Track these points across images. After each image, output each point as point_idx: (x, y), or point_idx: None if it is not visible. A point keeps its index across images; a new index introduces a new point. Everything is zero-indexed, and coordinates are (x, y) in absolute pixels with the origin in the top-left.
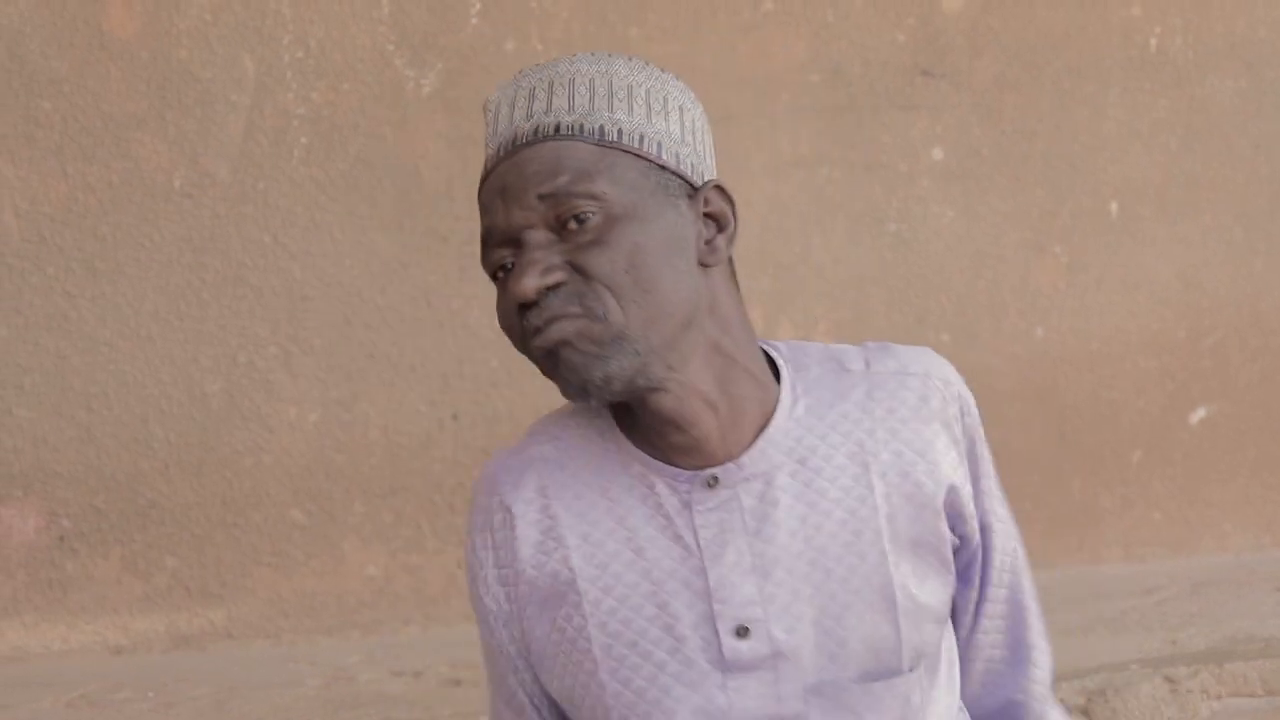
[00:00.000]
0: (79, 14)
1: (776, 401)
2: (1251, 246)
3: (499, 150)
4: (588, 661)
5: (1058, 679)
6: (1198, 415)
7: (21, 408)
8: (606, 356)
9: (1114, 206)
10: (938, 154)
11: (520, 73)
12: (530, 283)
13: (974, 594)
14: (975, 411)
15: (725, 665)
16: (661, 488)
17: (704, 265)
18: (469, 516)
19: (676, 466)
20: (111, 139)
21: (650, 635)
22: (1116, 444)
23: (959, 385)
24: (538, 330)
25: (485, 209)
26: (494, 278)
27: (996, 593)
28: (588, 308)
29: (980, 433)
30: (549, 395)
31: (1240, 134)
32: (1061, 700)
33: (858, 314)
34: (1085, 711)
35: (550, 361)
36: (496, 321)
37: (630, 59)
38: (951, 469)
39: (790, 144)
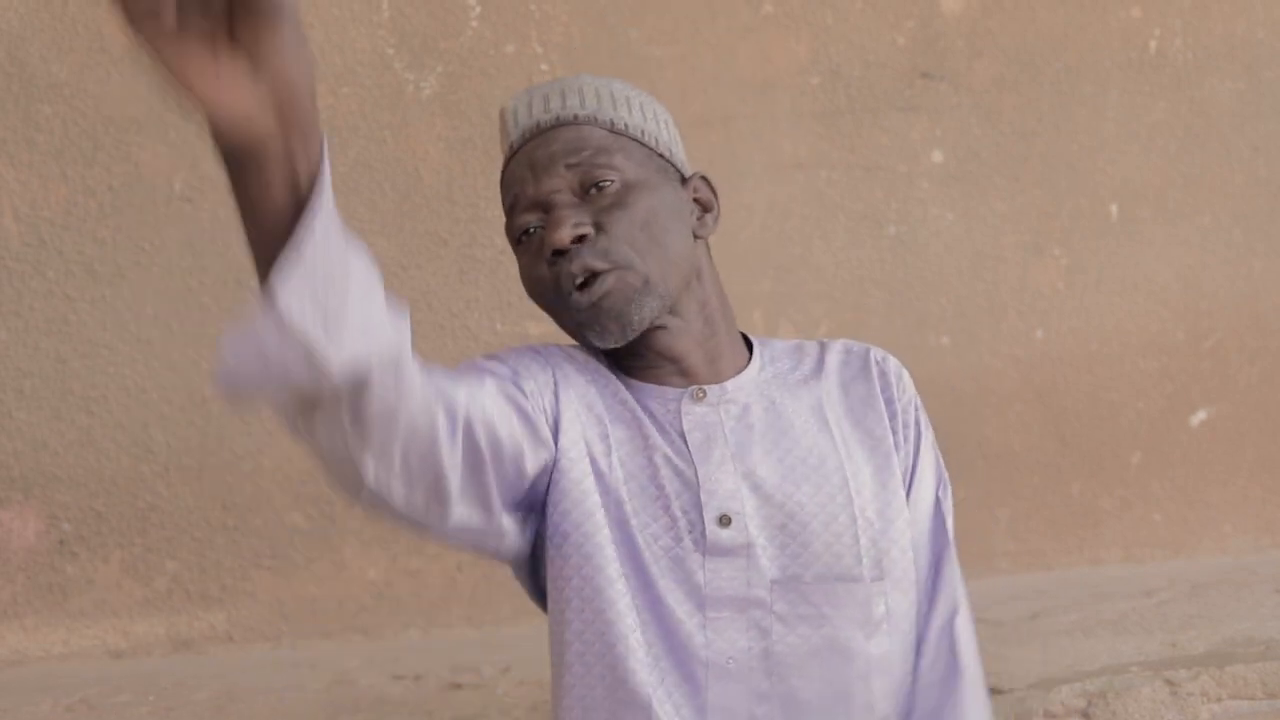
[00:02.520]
0: (79, 18)
1: (749, 363)
2: (1250, 248)
3: (523, 135)
4: (596, 512)
5: (1058, 682)
6: (1197, 417)
7: (21, 411)
8: (642, 302)
9: (1113, 208)
10: (937, 156)
11: (531, 85)
12: (565, 232)
13: None
14: (912, 387)
15: (706, 548)
16: (654, 405)
17: (696, 237)
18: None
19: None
20: (112, 143)
21: (650, 510)
22: (1116, 446)
23: (897, 363)
24: (582, 286)
25: (514, 181)
26: (518, 243)
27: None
28: (613, 260)
29: (923, 412)
30: None
31: (1239, 136)
32: (1062, 704)
33: (858, 316)
34: (1085, 714)
35: (592, 312)
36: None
37: (621, 80)
38: (890, 422)
39: (790, 146)
